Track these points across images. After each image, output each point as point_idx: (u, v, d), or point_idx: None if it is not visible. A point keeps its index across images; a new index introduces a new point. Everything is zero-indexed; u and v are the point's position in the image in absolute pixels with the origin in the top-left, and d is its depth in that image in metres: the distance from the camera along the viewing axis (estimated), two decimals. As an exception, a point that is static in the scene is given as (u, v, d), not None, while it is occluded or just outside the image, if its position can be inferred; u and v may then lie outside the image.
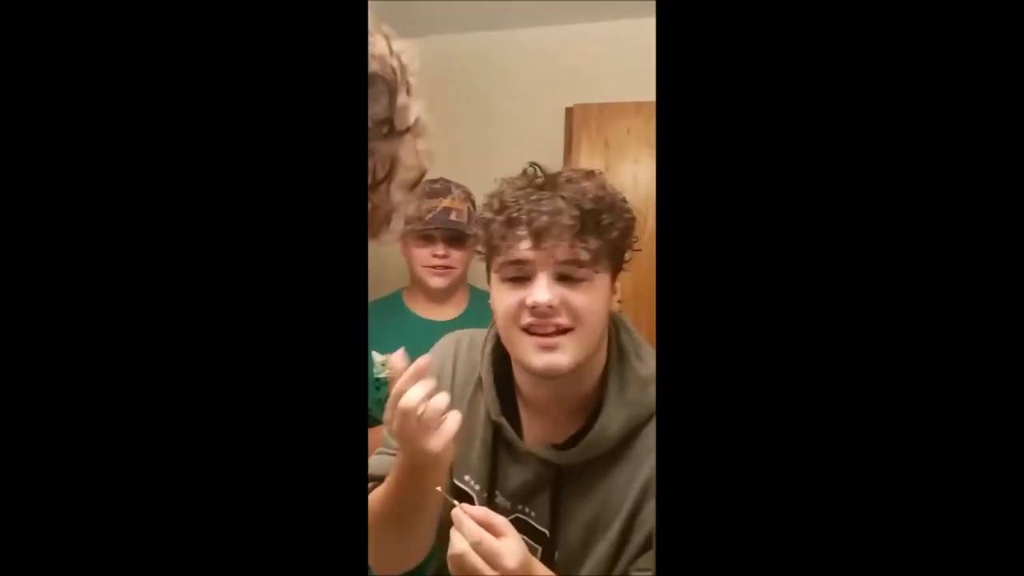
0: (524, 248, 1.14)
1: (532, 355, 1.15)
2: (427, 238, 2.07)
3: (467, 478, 1.28)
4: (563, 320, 1.14)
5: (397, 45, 0.53)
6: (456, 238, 2.07)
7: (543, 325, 1.15)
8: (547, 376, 1.16)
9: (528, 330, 1.16)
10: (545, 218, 1.12)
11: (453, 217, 2.04)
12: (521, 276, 1.15)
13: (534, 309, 1.13)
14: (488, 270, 1.22)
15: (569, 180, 1.16)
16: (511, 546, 1.00)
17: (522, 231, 1.14)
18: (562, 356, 1.15)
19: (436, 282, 2.07)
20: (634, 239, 1.19)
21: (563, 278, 1.14)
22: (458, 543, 1.00)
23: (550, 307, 1.13)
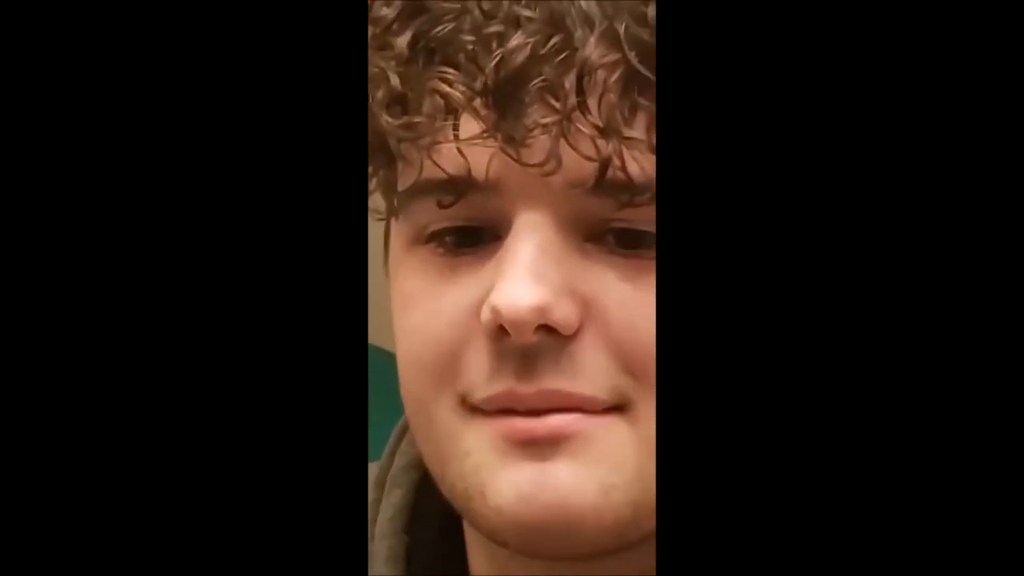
0: (476, 130, 0.44)
1: (500, 476, 0.45)
2: None
3: None
4: (599, 374, 0.45)
5: None
6: None
7: (534, 392, 0.45)
8: (540, 540, 0.45)
9: (494, 406, 0.46)
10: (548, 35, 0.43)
11: None
12: (471, 226, 0.46)
13: (508, 325, 0.44)
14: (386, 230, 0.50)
15: None
16: None
17: (477, 81, 0.43)
18: (576, 477, 0.45)
19: None
20: None
21: (600, 236, 0.45)
22: None
23: (548, 326, 0.44)
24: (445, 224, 0.46)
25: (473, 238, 0.46)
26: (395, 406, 0.50)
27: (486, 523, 0.47)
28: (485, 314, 0.44)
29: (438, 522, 0.54)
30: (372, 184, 0.48)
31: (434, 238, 0.47)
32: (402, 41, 0.45)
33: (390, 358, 0.46)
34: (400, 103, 0.45)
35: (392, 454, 0.56)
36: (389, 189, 0.47)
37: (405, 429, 0.56)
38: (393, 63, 0.45)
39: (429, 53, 0.45)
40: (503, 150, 0.44)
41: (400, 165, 0.46)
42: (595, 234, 0.45)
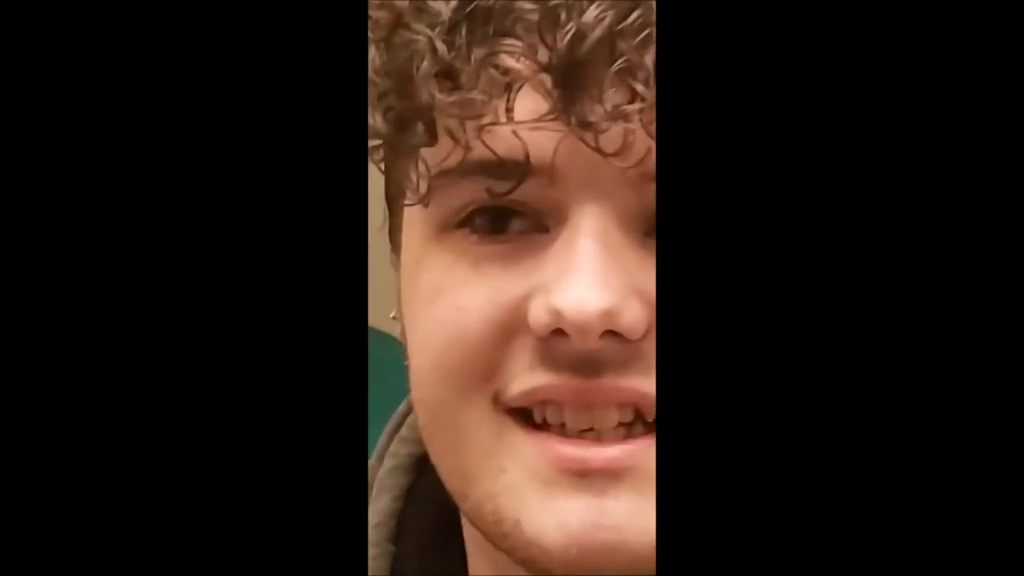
0: (539, 109, 0.40)
1: (542, 507, 0.41)
2: None
3: None
4: (640, 384, 0.41)
5: None
6: None
7: (591, 400, 0.41)
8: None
9: (533, 400, 0.42)
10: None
11: None
12: (512, 209, 0.42)
13: (572, 330, 0.40)
14: (390, 211, 0.47)
15: None
16: None
17: (540, 51, 0.39)
18: (637, 511, 0.41)
19: None
20: None
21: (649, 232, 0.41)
22: None
23: (612, 331, 0.40)
24: (484, 204, 0.42)
25: (513, 224, 0.42)
26: (389, 389, 0.48)
27: (522, 553, 0.42)
28: (541, 316, 0.40)
29: (429, 532, 0.50)
30: (383, 165, 0.45)
31: (467, 222, 0.43)
32: (445, 7, 0.40)
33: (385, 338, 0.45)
34: (449, 76, 0.40)
35: (382, 456, 0.52)
36: (414, 171, 0.42)
37: (396, 429, 0.52)
38: (437, 31, 0.40)
39: (478, 21, 0.40)
40: (579, 137, 0.39)
41: (443, 145, 0.42)
42: (654, 227, 0.41)
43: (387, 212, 0.47)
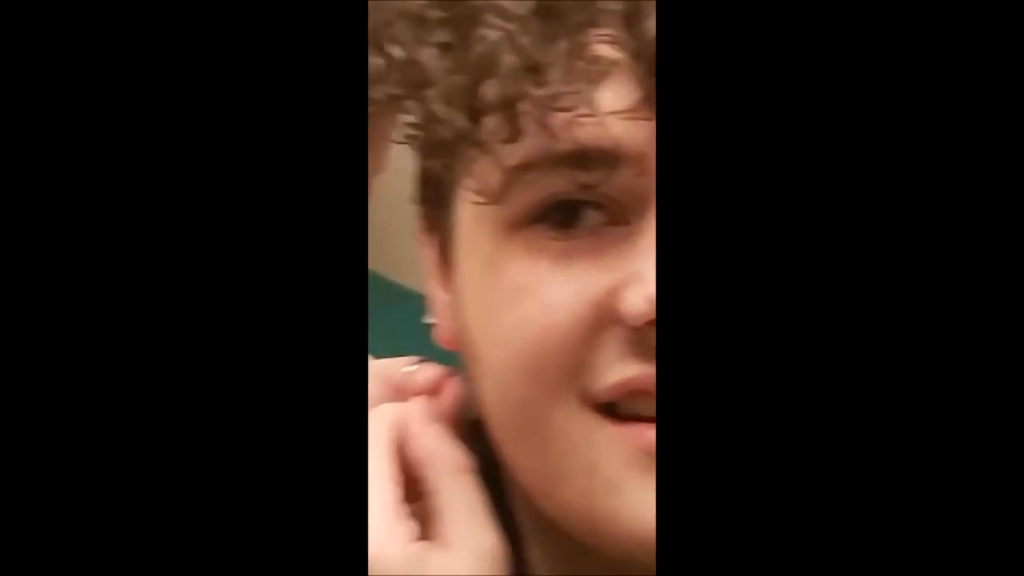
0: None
1: (643, 496, 0.42)
2: None
3: None
4: None
5: None
6: None
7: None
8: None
9: (627, 390, 0.43)
10: None
11: None
12: (592, 201, 0.43)
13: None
14: (434, 215, 0.49)
15: None
16: None
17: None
18: None
19: None
20: None
21: None
22: None
23: None
24: (562, 198, 0.42)
25: (586, 218, 0.42)
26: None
27: (618, 547, 0.42)
28: (640, 305, 0.40)
29: None
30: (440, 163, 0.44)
31: (542, 218, 0.43)
32: (515, 3, 0.41)
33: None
34: (534, 70, 0.41)
35: None
36: (486, 169, 0.42)
37: None
38: (515, 25, 0.41)
39: (554, 16, 0.41)
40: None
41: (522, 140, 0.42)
42: None
43: (425, 217, 0.48)
